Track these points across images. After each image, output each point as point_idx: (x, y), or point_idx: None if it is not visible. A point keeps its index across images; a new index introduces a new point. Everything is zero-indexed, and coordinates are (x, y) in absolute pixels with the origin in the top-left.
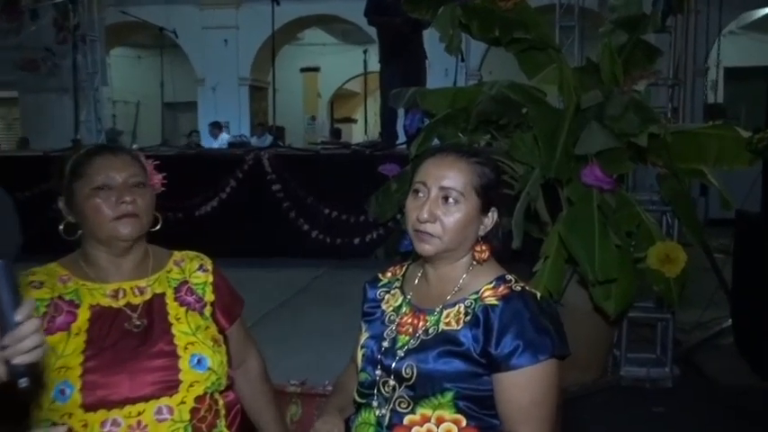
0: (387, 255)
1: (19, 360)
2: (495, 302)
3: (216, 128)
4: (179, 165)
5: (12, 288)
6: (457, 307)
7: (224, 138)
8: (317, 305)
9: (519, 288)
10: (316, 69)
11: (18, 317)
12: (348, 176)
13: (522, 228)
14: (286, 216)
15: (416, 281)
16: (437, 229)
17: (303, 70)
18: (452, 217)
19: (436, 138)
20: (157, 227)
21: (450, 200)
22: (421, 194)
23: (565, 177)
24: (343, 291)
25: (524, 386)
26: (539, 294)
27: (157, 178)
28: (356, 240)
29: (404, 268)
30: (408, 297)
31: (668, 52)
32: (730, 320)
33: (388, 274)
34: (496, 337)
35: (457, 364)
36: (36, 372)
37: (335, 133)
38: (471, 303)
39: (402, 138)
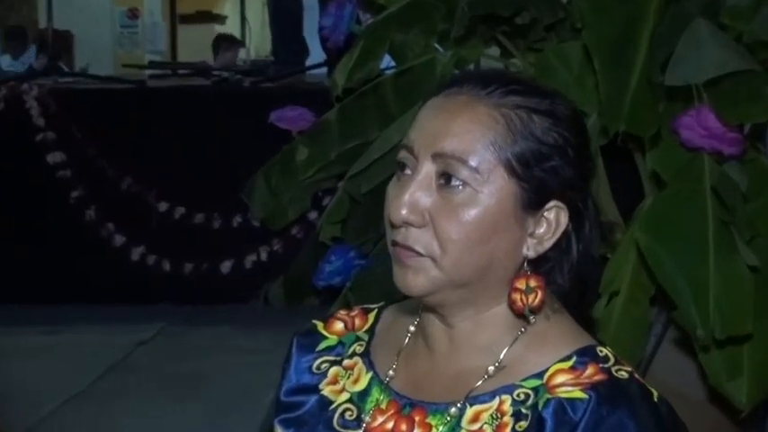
0: (288, 296)
1: None
2: (581, 395)
3: None
4: None
5: None
6: (497, 401)
7: None
8: (146, 397)
9: (625, 375)
10: None
11: None
12: (208, 134)
13: None
14: (77, 216)
15: (406, 341)
16: (427, 241)
17: None
18: (457, 215)
19: (388, 54)
20: None
21: (455, 181)
22: (408, 171)
23: (647, 132)
24: (200, 367)
25: None
26: (655, 393)
27: None
28: (224, 266)
29: (372, 315)
30: (386, 376)
31: None
32: None
33: (338, 326)
34: None
35: None
36: None
37: (223, 50)
38: (528, 396)
39: (318, 54)
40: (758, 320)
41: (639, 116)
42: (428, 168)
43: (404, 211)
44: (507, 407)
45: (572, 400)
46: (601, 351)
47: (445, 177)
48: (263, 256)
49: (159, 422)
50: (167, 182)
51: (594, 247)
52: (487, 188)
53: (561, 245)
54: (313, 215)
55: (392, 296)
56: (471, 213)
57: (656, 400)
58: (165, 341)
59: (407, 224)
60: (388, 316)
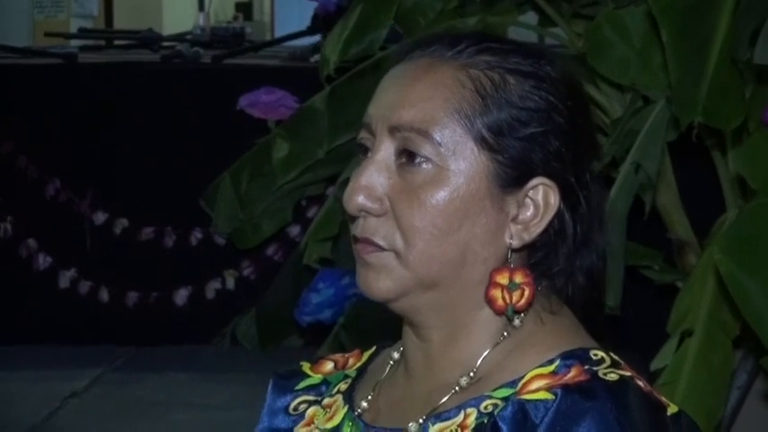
0: (262, 335)
1: None
2: (546, 396)
3: None
4: None
5: None
6: (461, 416)
7: None
8: None
9: (615, 377)
10: None
11: None
12: (157, 124)
13: (623, 259)
14: None
15: (386, 370)
16: (387, 231)
17: None
18: (419, 199)
19: (395, 23)
20: None
21: (417, 159)
22: (370, 154)
23: (730, 124)
24: (147, 428)
25: None
26: (670, 407)
27: None
28: (179, 296)
29: (368, 353)
30: (358, 409)
31: None
32: None
33: (327, 366)
34: None
35: None
36: None
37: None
38: (496, 406)
39: (301, 21)
40: None
41: (720, 104)
42: (387, 146)
43: (359, 198)
44: (471, 420)
45: (535, 402)
46: (596, 354)
47: (406, 155)
48: (230, 283)
49: None
50: (105, 186)
51: (596, 235)
52: (455, 165)
53: (553, 231)
54: (295, 230)
55: (397, 334)
56: (436, 196)
57: (670, 413)
58: (101, 393)
59: (365, 213)
60: (384, 352)
